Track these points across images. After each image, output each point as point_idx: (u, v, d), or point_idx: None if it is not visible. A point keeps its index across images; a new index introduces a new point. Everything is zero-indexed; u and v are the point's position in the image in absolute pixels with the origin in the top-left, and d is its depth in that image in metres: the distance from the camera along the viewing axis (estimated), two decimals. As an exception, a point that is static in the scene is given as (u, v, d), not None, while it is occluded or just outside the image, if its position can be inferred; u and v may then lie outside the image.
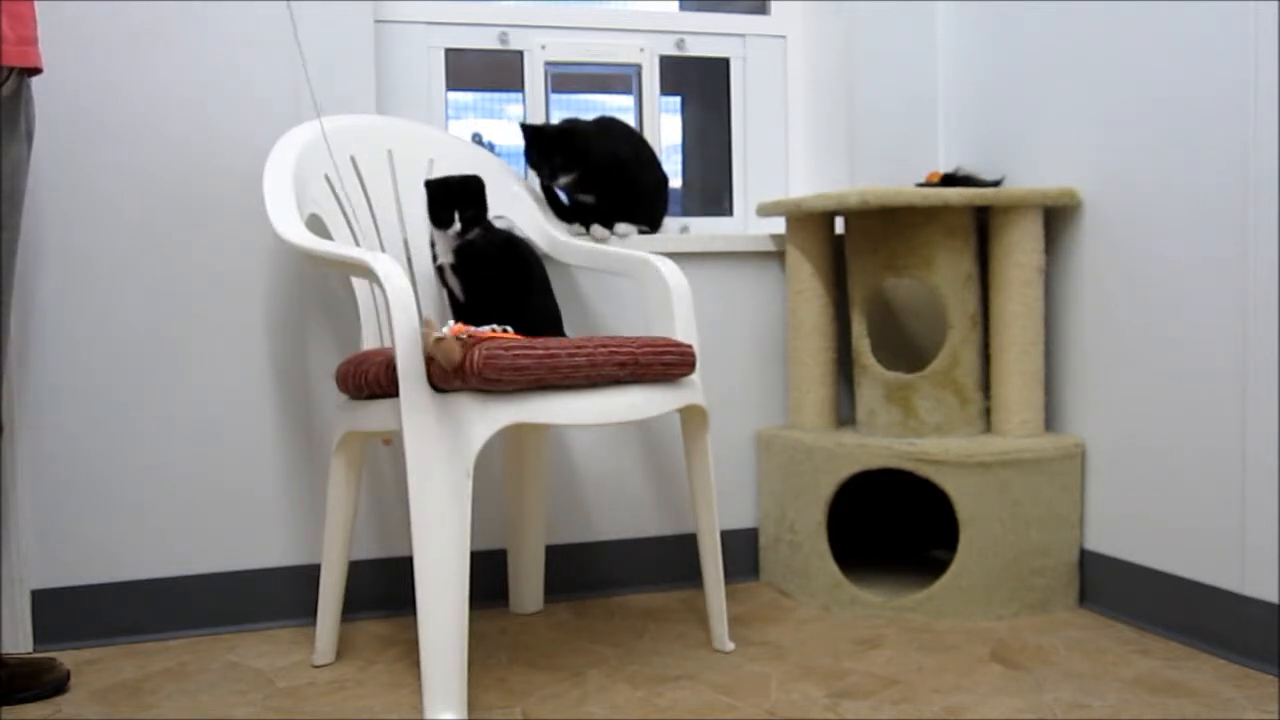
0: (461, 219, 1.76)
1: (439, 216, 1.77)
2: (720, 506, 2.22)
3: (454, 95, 2.31)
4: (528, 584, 2.06)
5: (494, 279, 1.82)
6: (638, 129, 2.24)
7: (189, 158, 1.95)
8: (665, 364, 1.66)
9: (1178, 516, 1.80)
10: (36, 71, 1.63)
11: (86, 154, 1.91)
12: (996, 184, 2.10)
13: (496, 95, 2.45)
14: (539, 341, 1.53)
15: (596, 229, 2.08)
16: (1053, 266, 2.07)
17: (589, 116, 2.13)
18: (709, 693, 1.61)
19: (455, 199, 1.76)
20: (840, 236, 2.24)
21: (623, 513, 2.22)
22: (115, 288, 1.93)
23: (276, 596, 2.01)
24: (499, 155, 2.14)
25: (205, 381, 1.97)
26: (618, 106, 2.44)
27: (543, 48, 2.30)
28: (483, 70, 2.40)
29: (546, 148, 2.00)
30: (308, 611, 1.97)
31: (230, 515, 1.99)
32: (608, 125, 2.12)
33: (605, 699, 1.59)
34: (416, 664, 1.75)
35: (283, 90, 1.99)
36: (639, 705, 1.57)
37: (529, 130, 2.00)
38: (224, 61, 1.96)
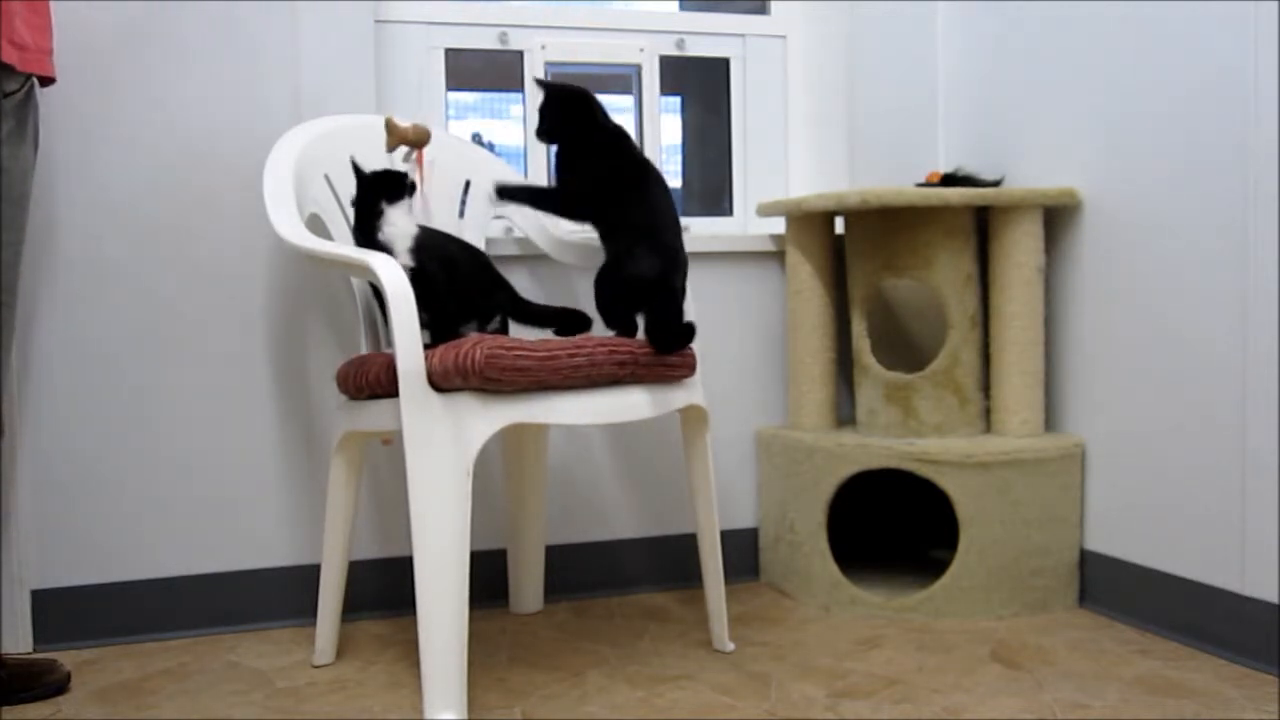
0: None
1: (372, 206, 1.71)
2: (720, 506, 2.22)
3: (455, 95, 2.31)
4: (528, 584, 2.06)
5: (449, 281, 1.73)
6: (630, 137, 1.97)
7: (189, 158, 1.95)
8: (666, 365, 1.66)
9: (1178, 516, 1.80)
10: (50, 81, 1.66)
11: (85, 156, 1.91)
12: (996, 184, 2.10)
13: (497, 95, 2.45)
14: (540, 343, 1.53)
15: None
16: (1053, 266, 2.07)
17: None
18: (709, 693, 1.61)
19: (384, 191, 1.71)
20: (840, 236, 2.24)
21: (623, 513, 2.22)
22: (115, 288, 1.93)
23: (276, 596, 2.01)
24: (499, 155, 2.14)
25: (205, 382, 1.98)
26: (618, 106, 2.45)
27: (543, 48, 2.30)
28: (483, 70, 2.40)
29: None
30: (308, 611, 1.97)
31: (230, 515, 1.99)
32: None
33: (605, 699, 1.59)
34: (416, 664, 1.75)
35: (283, 90, 1.99)
36: (639, 705, 1.57)
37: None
38: (224, 61, 1.96)
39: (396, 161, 1.87)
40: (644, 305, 1.68)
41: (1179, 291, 1.79)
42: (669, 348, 1.65)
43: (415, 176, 1.82)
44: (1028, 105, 2.12)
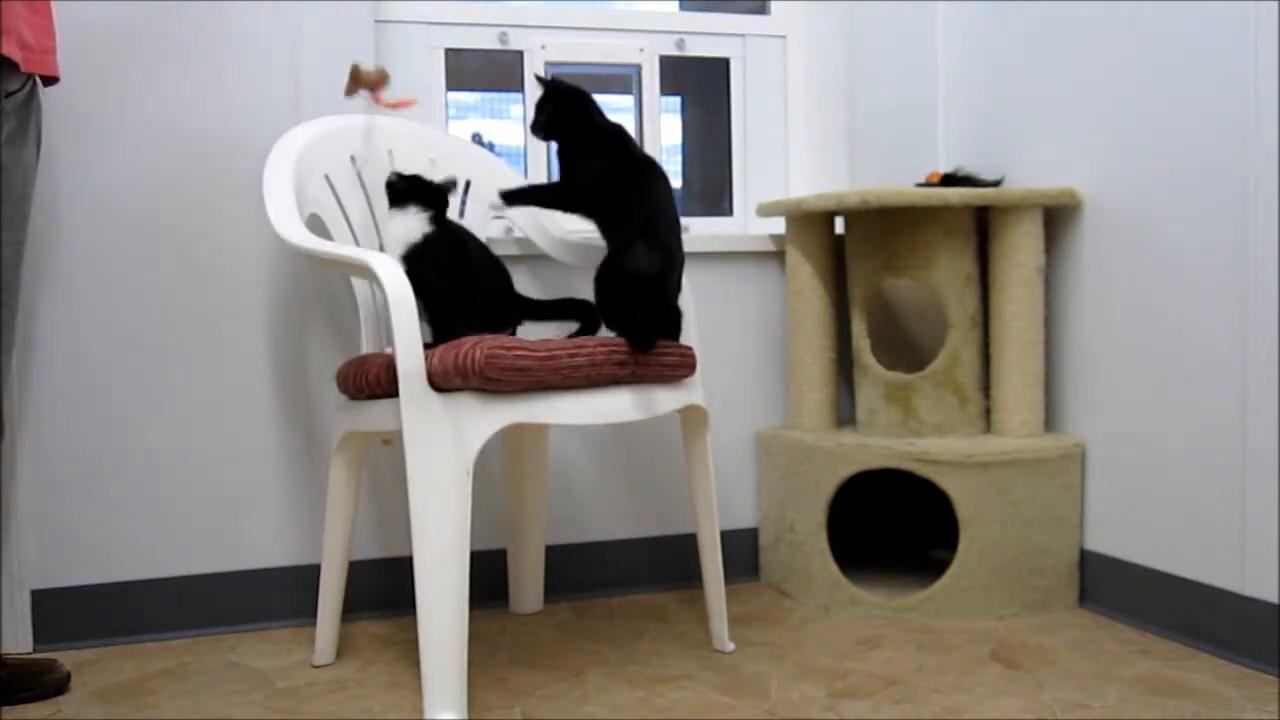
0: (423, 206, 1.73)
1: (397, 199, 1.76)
2: (720, 506, 2.22)
3: (455, 95, 2.31)
4: (528, 584, 2.06)
5: (439, 279, 1.71)
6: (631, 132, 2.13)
7: (188, 158, 1.95)
8: (666, 365, 1.66)
9: (1178, 516, 1.80)
10: (54, 80, 1.66)
11: (85, 155, 1.91)
12: (996, 184, 2.10)
13: (497, 95, 2.45)
14: (540, 342, 1.53)
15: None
16: (1053, 266, 2.07)
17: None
18: (709, 693, 1.61)
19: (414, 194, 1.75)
20: (840, 236, 2.24)
21: (623, 513, 2.22)
22: (115, 288, 1.93)
23: (276, 596, 2.01)
24: (499, 155, 2.14)
25: (205, 382, 1.98)
26: (618, 106, 2.45)
27: (543, 48, 2.30)
28: (483, 70, 2.40)
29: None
30: (308, 611, 1.97)
31: (230, 515, 1.99)
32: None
33: (605, 699, 1.59)
34: (416, 664, 1.75)
35: (283, 90, 1.99)
36: (639, 705, 1.57)
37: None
38: (224, 61, 1.96)
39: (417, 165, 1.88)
40: (640, 302, 1.68)
41: (1179, 291, 1.78)
42: (641, 343, 1.63)
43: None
44: (1028, 105, 2.12)
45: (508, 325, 1.81)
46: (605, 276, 1.71)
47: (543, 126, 1.81)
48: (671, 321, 1.72)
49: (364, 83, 1.87)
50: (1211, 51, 1.71)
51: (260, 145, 1.93)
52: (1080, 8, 1.98)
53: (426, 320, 1.73)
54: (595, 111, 1.81)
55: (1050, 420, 2.10)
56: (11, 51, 1.51)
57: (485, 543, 2.10)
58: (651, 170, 1.76)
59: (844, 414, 2.32)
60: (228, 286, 1.98)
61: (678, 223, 1.75)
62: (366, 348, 1.84)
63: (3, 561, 1.86)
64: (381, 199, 1.92)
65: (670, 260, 1.69)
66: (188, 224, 1.96)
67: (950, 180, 2.10)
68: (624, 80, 2.43)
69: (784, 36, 2.48)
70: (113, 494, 1.94)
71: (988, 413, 2.09)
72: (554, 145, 1.85)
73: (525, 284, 2.12)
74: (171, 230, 1.95)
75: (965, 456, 1.92)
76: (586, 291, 2.15)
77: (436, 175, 1.90)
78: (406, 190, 1.74)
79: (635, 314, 1.64)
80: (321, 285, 2.03)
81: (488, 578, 2.10)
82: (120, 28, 1.91)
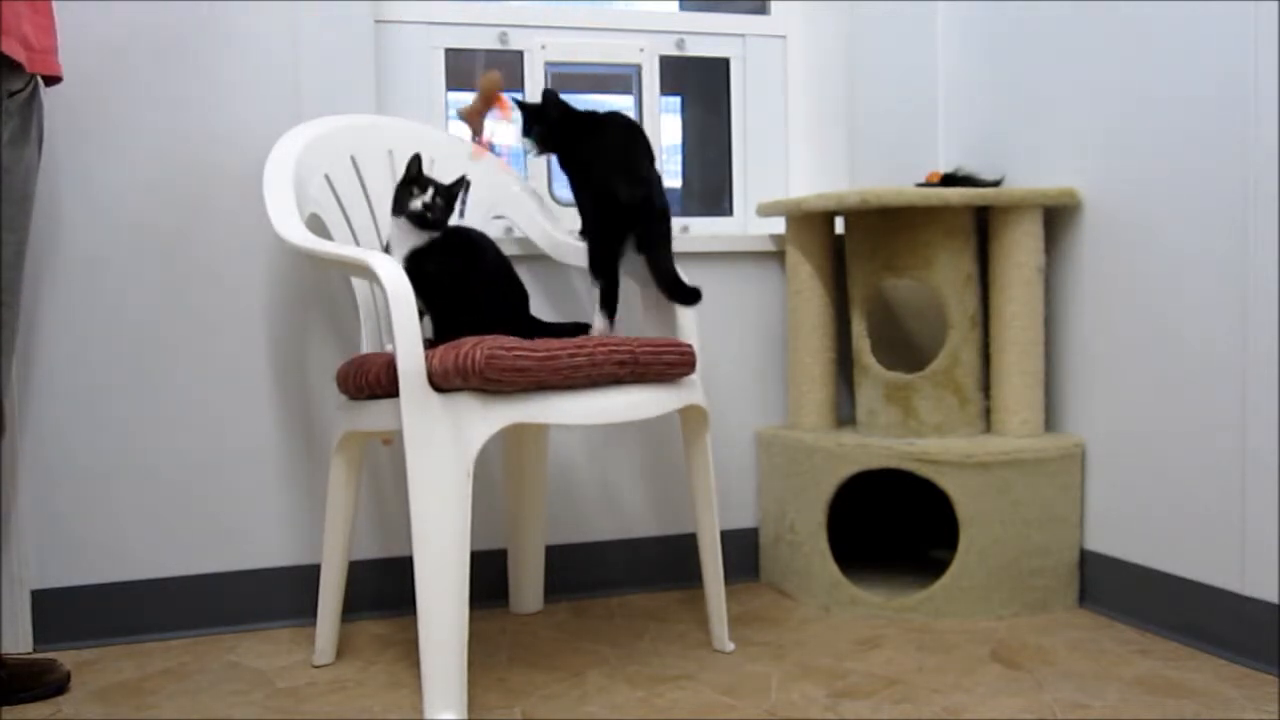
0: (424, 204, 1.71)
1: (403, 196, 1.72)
2: (720, 506, 2.22)
3: (455, 95, 2.31)
4: (528, 584, 2.06)
5: (439, 274, 1.71)
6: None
7: (189, 158, 1.95)
8: (665, 363, 1.66)
9: (1178, 516, 1.80)
10: (56, 80, 1.66)
11: (86, 156, 1.91)
12: (996, 184, 2.10)
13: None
14: (540, 342, 1.53)
15: None
16: (1053, 266, 2.07)
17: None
18: (709, 693, 1.61)
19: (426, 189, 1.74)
20: (840, 236, 2.24)
21: (623, 513, 2.22)
22: (115, 288, 1.93)
23: (276, 596, 2.01)
24: (498, 154, 2.14)
25: (205, 382, 1.98)
26: (618, 106, 2.45)
27: (543, 48, 2.31)
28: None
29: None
30: (308, 611, 1.97)
31: (230, 515, 2.00)
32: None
33: (605, 699, 1.60)
34: (416, 664, 1.75)
35: (283, 90, 1.99)
36: (639, 705, 1.57)
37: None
38: (224, 62, 1.96)
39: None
40: (629, 230, 1.75)
41: (1179, 291, 1.79)
42: (687, 298, 1.74)
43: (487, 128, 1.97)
44: (1028, 105, 2.12)
45: (502, 328, 1.81)
46: (589, 217, 1.80)
47: (535, 146, 1.89)
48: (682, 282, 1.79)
49: (484, 103, 1.95)
50: (1211, 51, 1.71)
51: (260, 145, 1.93)
52: (1080, 8, 1.98)
53: (429, 318, 1.73)
54: (567, 108, 1.87)
55: (1050, 420, 2.10)
56: (14, 51, 1.51)
57: (485, 543, 2.10)
58: (636, 139, 1.82)
59: (844, 414, 2.32)
60: (228, 287, 1.98)
61: (653, 165, 1.82)
62: (366, 348, 1.84)
63: (3, 561, 1.87)
64: (381, 199, 1.93)
65: (650, 197, 1.76)
66: (188, 224, 1.96)
67: (950, 180, 2.09)
68: (624, 80, 2.44)
69: (784, 36, 2.48)
70: (113, 494, 1.94)
71: (988, 413, 2.09)
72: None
73: (526, 284, 2.12)
74: (171, 230, 1.95)
75: (965, 456, 1.92)
76: (586, 291, 2.16)
77: (442, 176, 1.91)
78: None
79: (657, 261, 1.75)
80: (321, 285, 2.03)
81: (488, 578, 2.10)
82: (121, 28, 1.91)
